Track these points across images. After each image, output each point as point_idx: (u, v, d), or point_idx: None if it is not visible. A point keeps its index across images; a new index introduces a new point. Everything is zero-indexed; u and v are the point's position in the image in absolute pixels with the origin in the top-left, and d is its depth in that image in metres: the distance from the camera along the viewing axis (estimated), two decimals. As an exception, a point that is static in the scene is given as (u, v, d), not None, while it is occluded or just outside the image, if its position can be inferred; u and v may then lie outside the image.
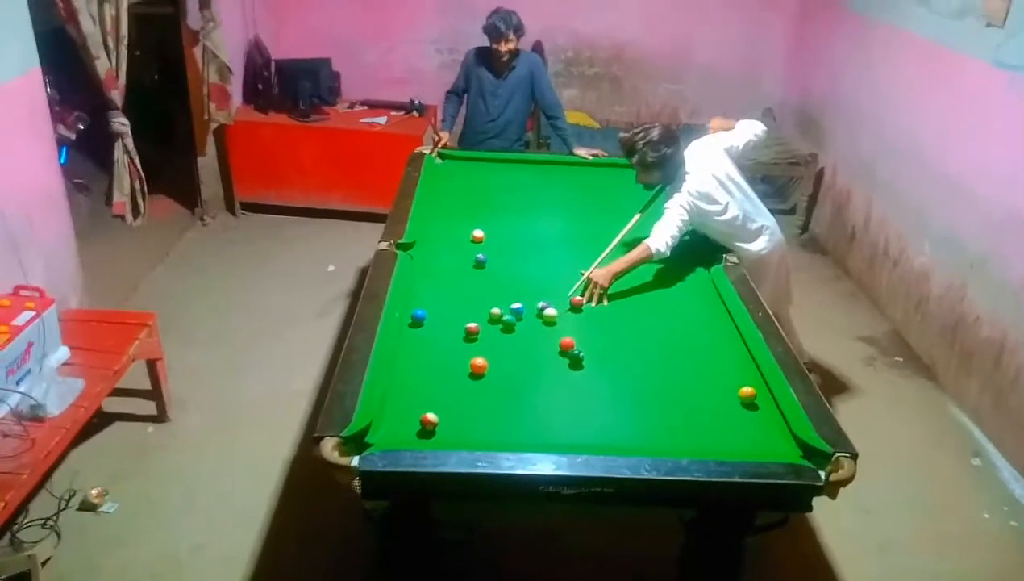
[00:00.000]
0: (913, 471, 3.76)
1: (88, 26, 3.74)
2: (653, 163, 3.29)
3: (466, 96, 4.88)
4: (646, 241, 3.25)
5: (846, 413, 3.95)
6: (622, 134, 3.39)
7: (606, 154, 4.69)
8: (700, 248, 3.51)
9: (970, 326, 4.16)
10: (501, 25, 4.49)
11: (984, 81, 4.10)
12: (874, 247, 5.23)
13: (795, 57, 6.61)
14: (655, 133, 3.26)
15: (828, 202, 5.99)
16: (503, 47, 4.54)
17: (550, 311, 2.95)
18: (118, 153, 4.23)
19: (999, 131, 4.00)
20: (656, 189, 3.48)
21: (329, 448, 2.15)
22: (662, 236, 3.24)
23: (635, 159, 3.31)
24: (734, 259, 3.41)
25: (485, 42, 4.62)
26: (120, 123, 4.17)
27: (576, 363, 2.70)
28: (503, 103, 4.75)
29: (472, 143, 4.86)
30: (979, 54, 4.12)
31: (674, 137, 3.33)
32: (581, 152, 4.66)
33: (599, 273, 3.14)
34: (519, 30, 4.55)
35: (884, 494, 3.54)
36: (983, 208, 4.10)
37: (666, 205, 3.33)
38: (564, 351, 2.76)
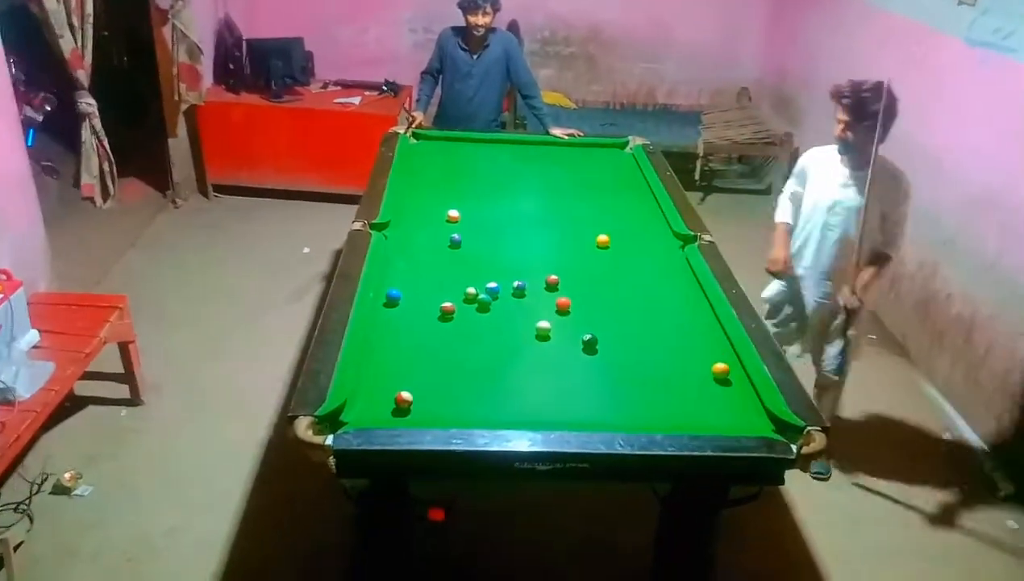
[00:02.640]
0: (885, 446, 3.81)
1: (51, 3, 3.67)
2: (857, 112, 3.08)
3: (441, 77, 4.84)
4: (886, 251, 3.26)
5: (820, 389, 3.99)
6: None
7: (582, 134, 4.68)
8: (676, 227, 3.52)
9: (942, 303, 4.21)
10: None
11: (957, 58, 4.13)
12: (848, 225, 5.27)
13: (772, 36, 6.63)
14: (870, 83, 3.07)
15: (803, 181, 6.01)
16: (479, 20, 4.49)
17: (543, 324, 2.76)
18: (85, 134, 4.17)
19: (971, 108, 4.04)
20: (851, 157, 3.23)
21: (303, 427, 2.13)
22: (901, 243, 3.27)
23: (844, 102, 3.12)
24: (708, 238, 3.41)
25: (460, 21, 4.58)
26: (87, 103, 4.11)
27: (590, 347, 2.67)
28: (478, 83, 4.71)
29: (447, 124, 4.82)
30: (952, 31, 4.14)
31: (894, 94, 3.05)
32: (557, 132, 4.64)
33: (853, 299, 3.21)
34: (495, 4, 4.51)
35: (856, 469, 3.59)
36: (956, 185, 4.14)
37: (897, 212, 3.21)
38: (560, 311, 2.84)
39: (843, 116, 3.11)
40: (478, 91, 4.73)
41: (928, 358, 4.32)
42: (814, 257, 3.36)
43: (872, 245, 3.23)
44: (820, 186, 3.30)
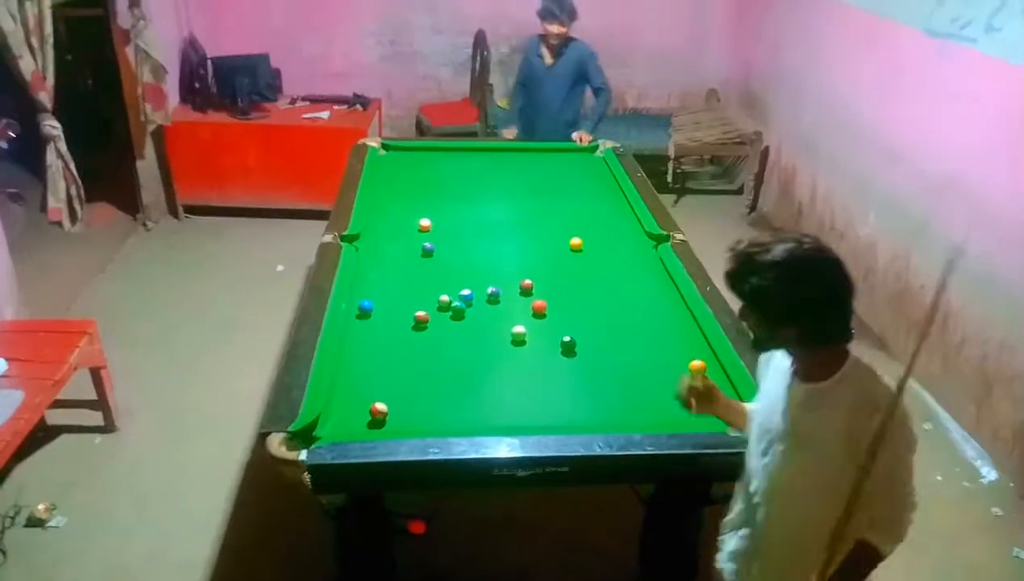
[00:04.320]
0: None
1: (8, 24, 3.61)
2: (758, 303, 1.75)
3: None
4: (866, 537, 1.77)
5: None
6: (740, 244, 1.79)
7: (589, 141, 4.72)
8: (648, 228, 3.51)
9: (916, 293, 4.23)
10: (554, 8, 4.61)
11: (917, 49, 4.17)
12: (821, 222, 5.30)
13: (737, 35, 6.67)
14: (779, 250, 1.70)
15: (774, 179, 6.05)
16: (553, 29, 4.65)
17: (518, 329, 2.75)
18: (51, 157, 4.10)
19: (933, 97, 4.08)
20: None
21: (276, 443, 2.11)
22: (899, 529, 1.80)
23: (739, 287, 1.77)
24: (680, 237, 3.41)
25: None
26: (51, 126, 4.05)
27: (569, 350, 2.67)
28: (551, 88, 4.83)
29: (526, 127, 4.96)
30: (911, 22, 4.18)
31: (817, 268, 1.72)
32: (578, 134, 4.70)
33: None
34: (572, 15, 4.65)
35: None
36: (923, 174, 4.18)
37: (883, 465, 1.63)
38: (536, 314, 2.87)
39: None
40: (552, 97, 4.84)
41: (906, 350, 4.33)
42: (739, 515, 2.04)
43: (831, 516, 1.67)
44: (761, 396, 1.98)
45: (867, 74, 4.73)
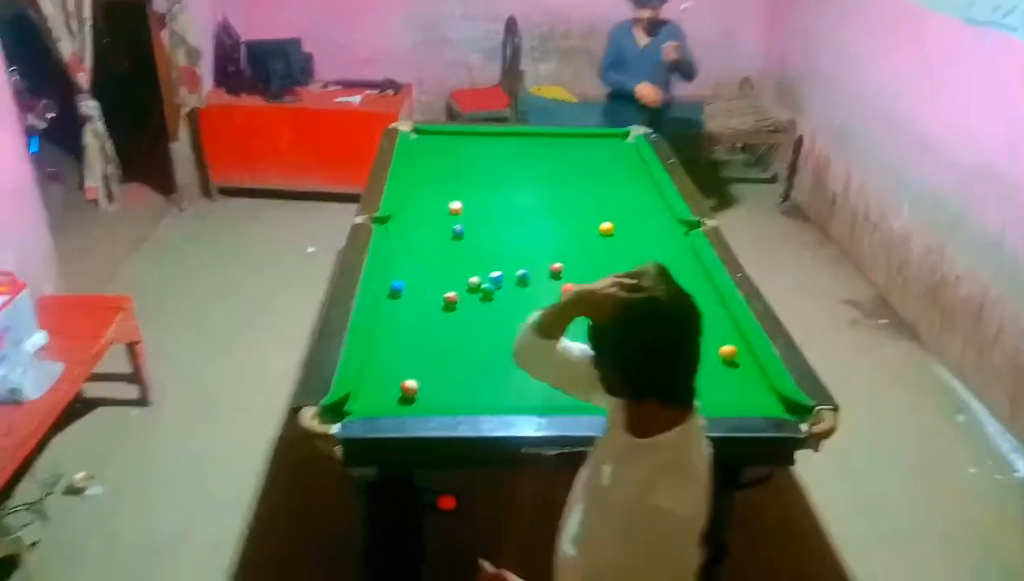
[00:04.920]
0: (899, 430, 3.78)
1: (48, 8, 3.69)
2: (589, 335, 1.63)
3: None
4: None
5: (831, 375, 3.94)
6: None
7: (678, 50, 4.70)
8: (679, 213, 3.50)
9: (950, 285, 4.18)
10: None
11: (955, 38, 4.10)
12: (855, 211, 5.24)
13: (771, 23, 6.61)
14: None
15: (808, 169, 5.99)
16: (644, 13, 4.74)
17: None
18: (88, 137, 4.18)
19: (970, 87, 4.01)
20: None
21: (309, 417, 2.14)
22: None
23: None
24: (712, 223, 3.39)
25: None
26: (88, 106, 4.12)
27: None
28: (649, 69, 4.83)
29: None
30: (949, 11, 4.12)
31: (642, 323, 1.51)
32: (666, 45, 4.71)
33: None
34: None
35: (871, 454, 3.56)
36: (957, 165, 4.12)
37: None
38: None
39: None
40: (648, 77, 4.83)
41: (939, 340, 4.29)
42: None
43: None
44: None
45: (901, 64, 4.66)
